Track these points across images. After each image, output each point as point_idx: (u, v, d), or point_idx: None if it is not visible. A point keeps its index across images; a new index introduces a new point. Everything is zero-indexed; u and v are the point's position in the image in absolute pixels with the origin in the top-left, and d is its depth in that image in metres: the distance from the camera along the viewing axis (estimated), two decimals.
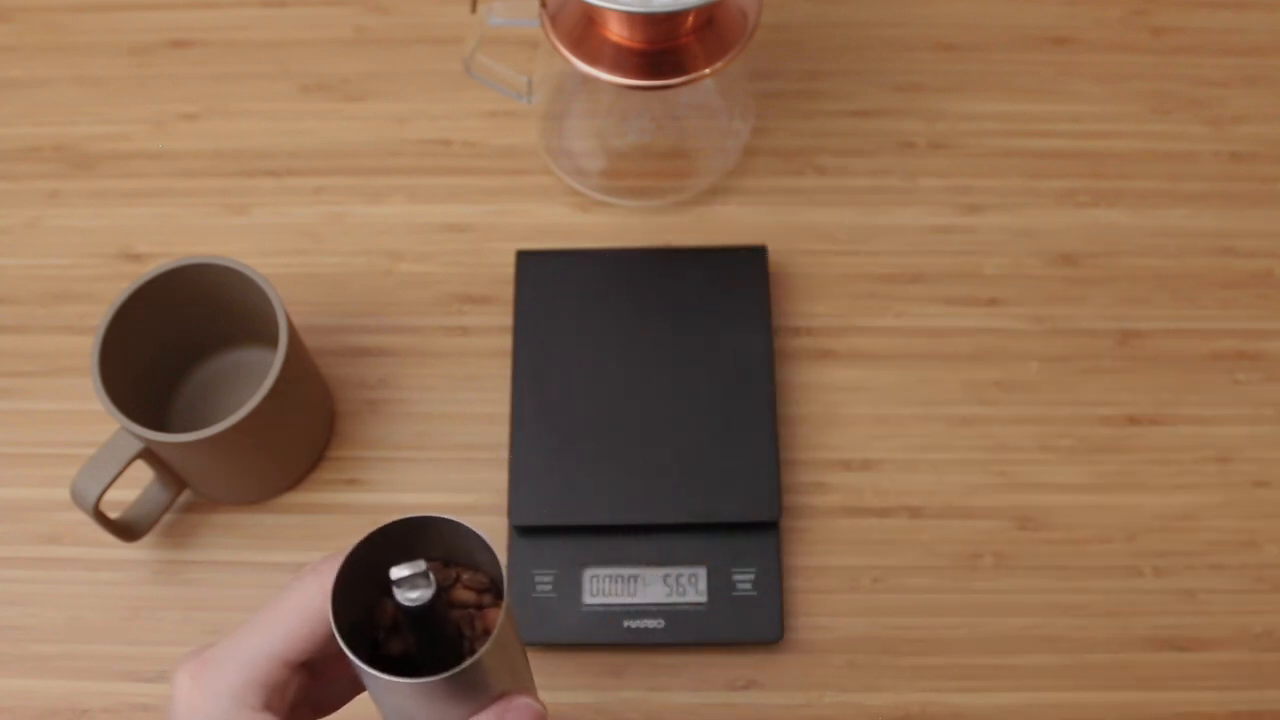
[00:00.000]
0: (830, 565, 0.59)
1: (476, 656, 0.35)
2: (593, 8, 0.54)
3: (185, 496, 0.60)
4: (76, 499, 0.53)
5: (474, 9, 0.59)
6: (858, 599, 0.58)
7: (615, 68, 0.56)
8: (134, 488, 0.60)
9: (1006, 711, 0.56)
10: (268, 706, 0.38)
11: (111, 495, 0.60)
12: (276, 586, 0.58)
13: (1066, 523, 0.59)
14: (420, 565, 0.35)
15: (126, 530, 0.56)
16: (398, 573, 0.35)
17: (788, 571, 0.58)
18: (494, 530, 0.59)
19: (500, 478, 0.60)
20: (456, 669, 0.35)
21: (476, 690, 0.36)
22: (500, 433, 0.61)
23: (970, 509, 0.59)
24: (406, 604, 0.35)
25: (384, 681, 0.35)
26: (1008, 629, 0.57)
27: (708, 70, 0.56)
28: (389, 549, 0.37)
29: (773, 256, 0.65)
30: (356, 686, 0.42)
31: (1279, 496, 0.60)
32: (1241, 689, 0.56)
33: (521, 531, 0.57)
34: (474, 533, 0.37)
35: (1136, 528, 0.59)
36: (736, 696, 0.56)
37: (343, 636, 0.36)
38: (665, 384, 0.59)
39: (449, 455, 0.61)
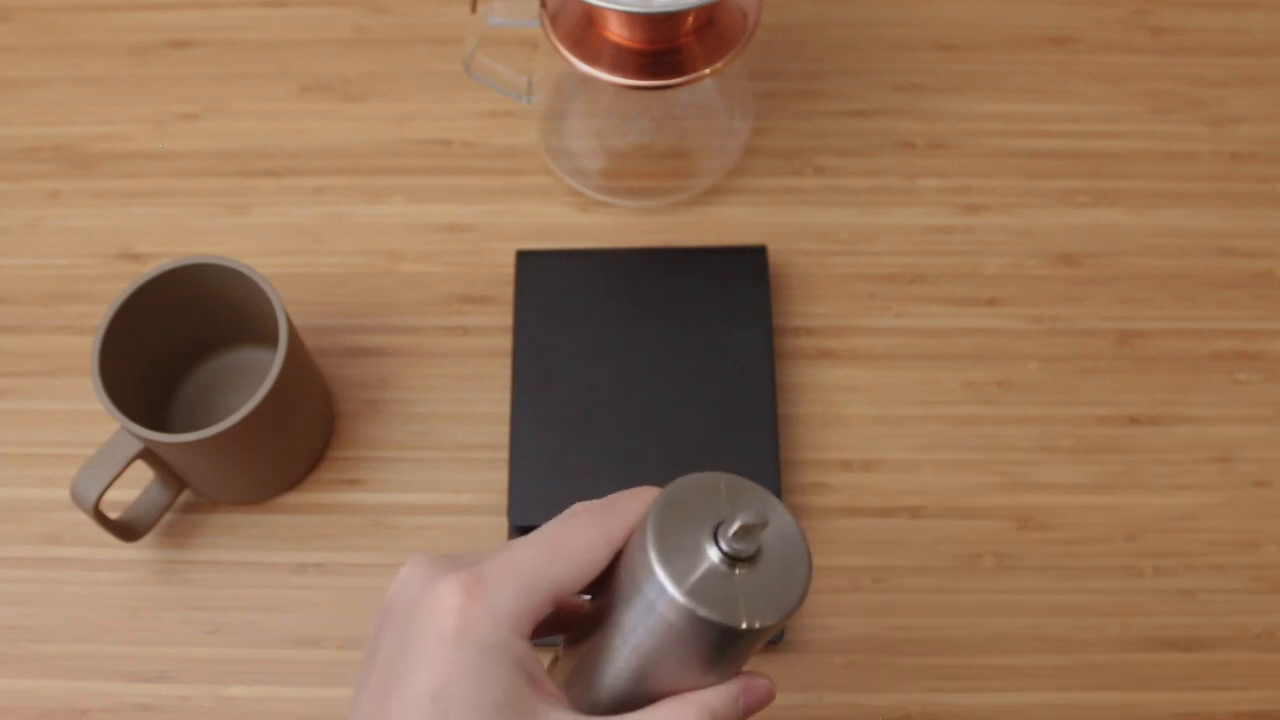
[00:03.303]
0: (830, 565, 0.59)
1: (763, 625, 0.35)
2: (593, 8, 0.54)
3: (185, 496, 0.60)
4: (76, 499, 0.53)
5: (474, 9, 0.59)
6: (858, 599, 0.58)
7: (615, 68, 0.56)
8: (134, 488, 0.60)
9: (1006, 711, 0.56)
10: (530, 639, 0.36)
11: (111, 495, 0.60)
12: (277, 586, 0.58)
13: (1066, 523, 0.59)
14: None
15: (126, 530, 0.56)
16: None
17: None
18: (494, 530, 0.59)
19: (500, 478, 0.60)
20: (746, 626, 0.35)
21: (737, 658, 0.37)
22: (500, 433, 0.61)
23: (970, 509, 0.59)
24: (729, 549, 0.35)
25: (672, 600, 0.35)
26: (1008, 629, 0.57)
27: (708, 70, 0.56)
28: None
29: (773, 256, 0.65)
30: (547, 630, 0.41)
31: (1279, 496, 0.60)
32: (1241, 689, 0.56)
33: (522, 531, 0.57)
34: (798, 530, 0.37)
35: (1136, 528, 0.59)
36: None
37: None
38: (665, 384, 0.59)
39: (449, 455, 0.61)
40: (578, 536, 0.37)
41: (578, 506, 0.38)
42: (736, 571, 0.35)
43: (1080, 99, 0.69)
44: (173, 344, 0.59)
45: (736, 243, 0.65)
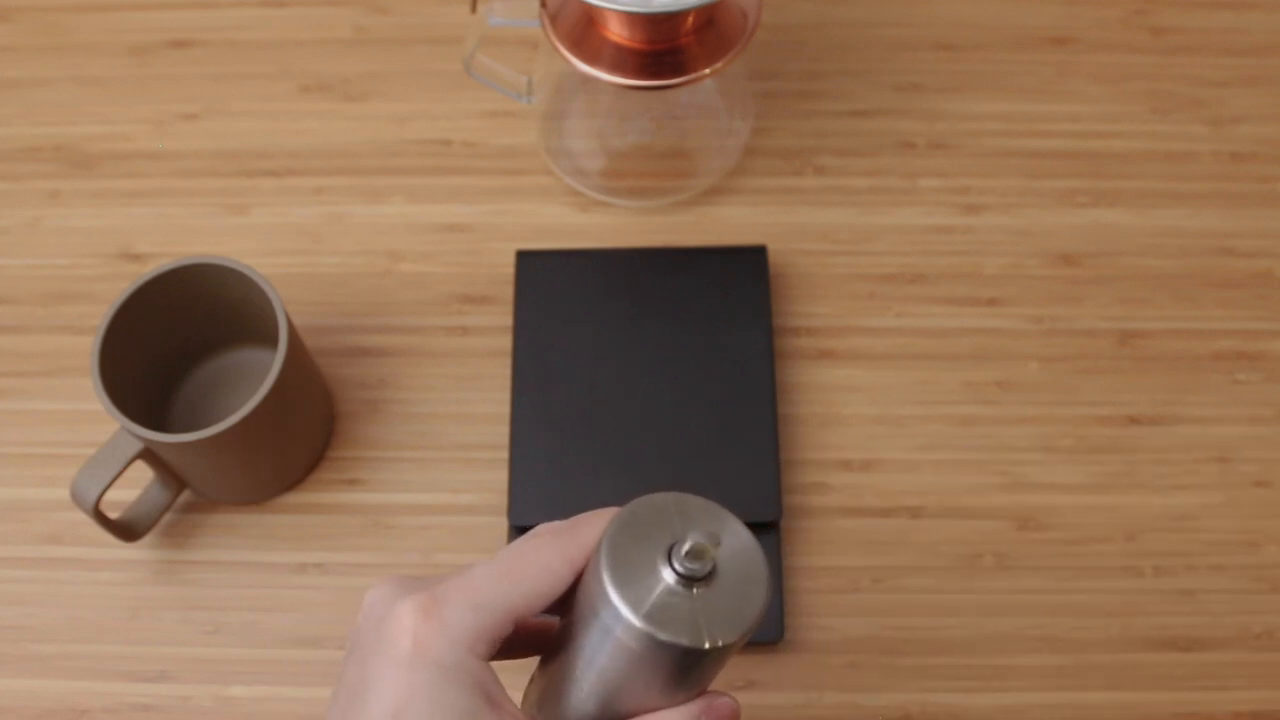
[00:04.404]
0: (830, 565, 0.59)
1: (724, 644, 0.35)
2: (593, 8, 0.54)
3: (185, 496, 0.60)
4: (76, 499, 0.53)
5: (474, 9, 0.59)
6: (858, 599, 0.58)
7: (615, 68, 0.56)
8: (134, 488, 0.60)
9: (1006, 711, 0.56)
10: (488, 659, 0.36)
11: (111, 495, 0.60)
12: (277, 586, 0.58)
13: (1066, 523, 0.59)
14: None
15: (126, 530, 0.56)
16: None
17: (788, 571, 0.58)
18: (494, 530, 0.59)
19: (500, 478, 0.60)
20: (707, 646, 0.35)
21: (701, 677, 0.37)
22: (500, 433, 0.61)
23: (970, 509, 0.59)
24: (683, 570, 0.35)
25: (629, 626, 0.35)
26: (1008, 629, 0.57)
27: (708, 70, 0.56)
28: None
29: (773, 256, 0.65)
30: (521, 650, 0.41)
31: (1279, 496, 0.60)
32: (1241, 689, 0.56)
33: (521, 531, 0.57)
34: (754, 542, 0.37)
35: (1136, 528, 0.59)
36: (737, 696, 0.56)
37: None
38: (665, 384, 0.59)
39: (449, 455, 0.61)
40: (535, 557, 0.37)
41: (541, 527, 0.38)
42: (694, 591, 0.35)
43: (1080, 99, 0.69)
44: (173, 344, 0.59)
45: (736, 243, 0.65)
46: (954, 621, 0.57)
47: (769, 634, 0.56)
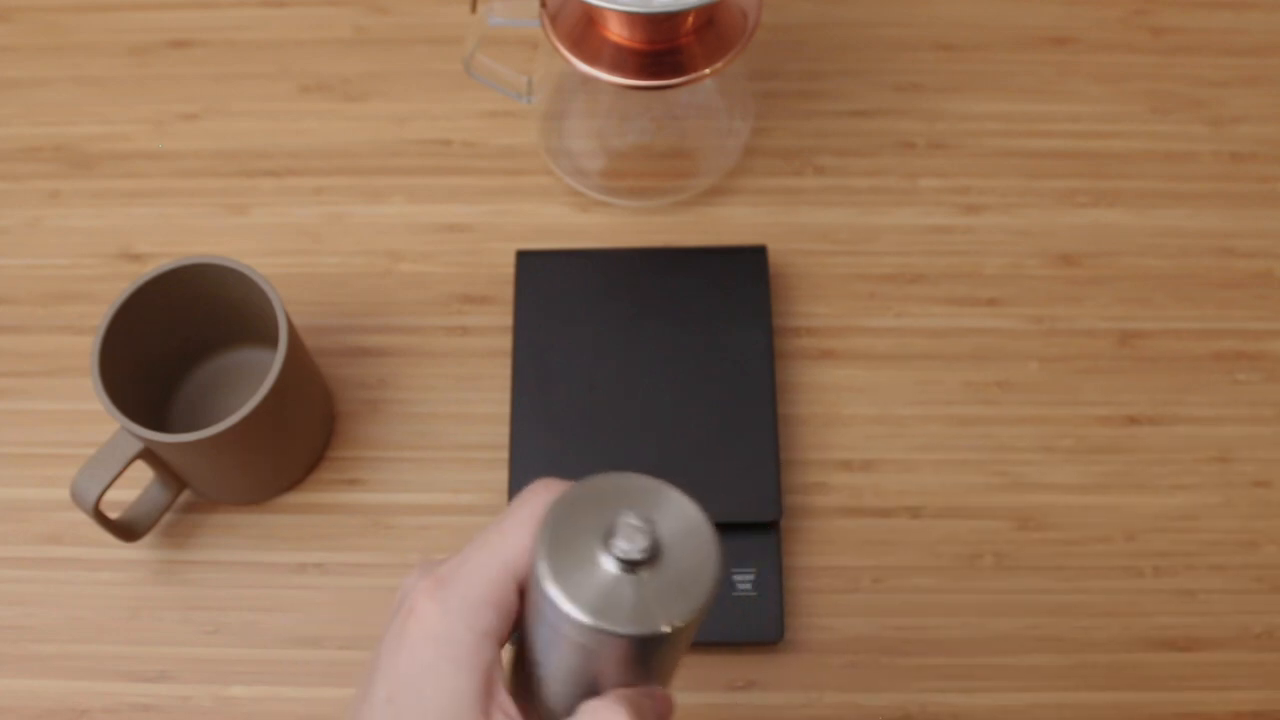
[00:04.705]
0: (830, 565, 0.59)
1: (679, 626, 0.34)
2: (593, 8, 0.54)
3: (185, 496, 0.60)
4: (76, 499, 0.53)
5: (474, 9, 0.59)
6: (858, 599, 0.58)
7: (615, 68, 0.56)
8: (134, 488, 0.60)
9: (1006, 711, 0.56)
10: (498, 636, 0.35)
11: (111, 495, 0.60)
12: (277, 586, 0.58)
13: (1066, 523, 0.59)
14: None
15: (126, 530, 0.56)
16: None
17: (788, 572, 0.58)
18: None
19: (500, 478, 0.60)
20: (659, 631, 0.34)
21: (662, 659, 0.35)
22: (500, 433, 0.61)
23: (970, 509, 0.59)
24: (620, 555, 0.34)
25: (575, 623, 0.33)
26: (1008, 629, 0.57)
27: (708, 70, 0.56)
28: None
29: (773, 256, 0.65)
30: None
31: (1279, 496, 0.60)
32: (1241, 689, 0.56)
33: None
34: (701, 516, 0.35)
35: (1136, 528, 0.59)
36: (737, 696, 0.56)
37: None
38: (665, 384, 0.59)
39: (449, 455, 0.61)
40: (519, 511, 0.36)
41: (537, 483, 0.37)
42: (639, 576, 0.34)
43: (1080, 99, 0.69)
44: (173, 344, 0.59)
45: (736, 243, 0.65)
46: (954, 621, 0.57)
47: (769, 634, 0.56)
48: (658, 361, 0.59)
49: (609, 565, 0.34)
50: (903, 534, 0.59)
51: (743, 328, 0.60)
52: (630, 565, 0.34)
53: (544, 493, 0.37)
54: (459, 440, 0.61)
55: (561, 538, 0.34)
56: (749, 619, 0.56)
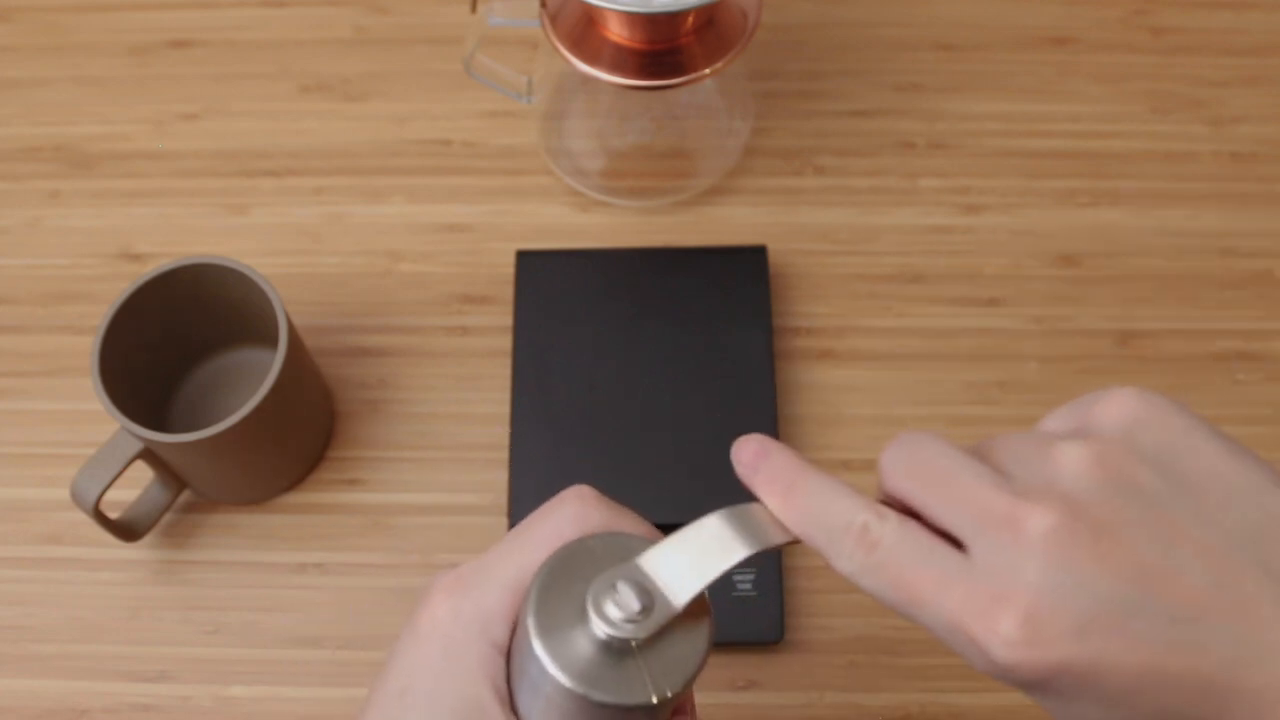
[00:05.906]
0: (830, 565, 0.58)
1: (668, 697, 0.33)
2: (593, 8, 0.54)
3: (185, 496, 0.60)
4: (76, 499, 0.53)
5: (474, 9, 0.59)
6: (858, 599, 0.58)
7: (615, 68, 0.56)
8: (134, 488, 0.60)
9: (1006, 711, 0.56)
10: (507, 650, 0.35)
11: (111, 495, 0.60)
12: (277, 586, 0.58)
13: None
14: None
15: (126, 530, 0.56)
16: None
17: (788, 572, 0.58)
18: (494, 530, 0.59)
19: (500, 478, 0.60)
20: (647, 702, 0.33)
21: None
22: (500, 433, 0.61)
23: None
24: (611, 632, 0.32)
25: (559, 685, 0.33)
26: None
27: (708, 70, 0.56)
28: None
29: (773, 256, 0.65)
30: None
31: None
32: None
33: None
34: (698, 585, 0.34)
35: None
36: (737, 696, 0.56)
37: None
38: (665, 384, 0.59)
39: (449, 455, 0.61)
40: (547, 524, 0.36)
41: (570, 490, 0.37)
42: (631, 645, 0.33)
43: (1080, 99, 0.69)
44: (173, 344, 0.59)
45: (736, 243, 0.65)
46: None
47: (769, 634, 0.56)
48: (658, 362, 0.59)
49: (599, 632, 0.33)
50: None
51: (743, 328, 0.60)
52: (621, 641, 0.33)
53: (576, 503, 0.36)
54: (459, 440, 0.61)
55: (552, 597, 0.34)
56: (749, 619, 0.56)
